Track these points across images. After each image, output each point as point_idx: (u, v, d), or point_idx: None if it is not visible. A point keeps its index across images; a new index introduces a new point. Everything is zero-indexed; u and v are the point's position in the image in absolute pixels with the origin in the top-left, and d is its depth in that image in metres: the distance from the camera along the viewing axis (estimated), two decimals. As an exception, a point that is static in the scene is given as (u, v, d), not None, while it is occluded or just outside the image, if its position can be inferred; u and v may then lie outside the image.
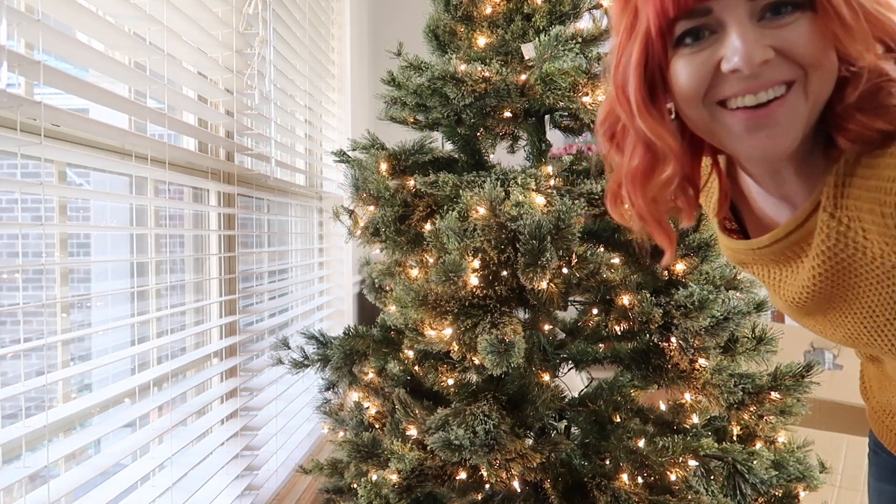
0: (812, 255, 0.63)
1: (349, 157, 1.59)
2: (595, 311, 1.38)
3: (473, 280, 1.21)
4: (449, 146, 1.68)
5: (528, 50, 1.57)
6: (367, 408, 1.53)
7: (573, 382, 1.61)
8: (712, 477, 1.13)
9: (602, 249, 1.36)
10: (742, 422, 1.27)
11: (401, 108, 1.59)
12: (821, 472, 1.30)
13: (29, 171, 1.28)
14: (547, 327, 1.41)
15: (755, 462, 1.13)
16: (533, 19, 1.66)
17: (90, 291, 1.50)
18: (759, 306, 1.32)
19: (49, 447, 0.99)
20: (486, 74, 1.47)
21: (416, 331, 1.26)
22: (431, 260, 1.39)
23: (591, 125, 1.60)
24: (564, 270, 1.27)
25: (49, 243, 1.17)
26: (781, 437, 1.30)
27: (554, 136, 1.73)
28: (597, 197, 1.37)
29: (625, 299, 1.27)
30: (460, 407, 1.24)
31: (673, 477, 1.18)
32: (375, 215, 1.45)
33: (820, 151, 0.62)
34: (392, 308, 1.47)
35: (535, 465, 1.20)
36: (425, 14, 1.75)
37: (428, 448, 1.21)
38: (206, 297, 1.70)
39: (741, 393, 1.17)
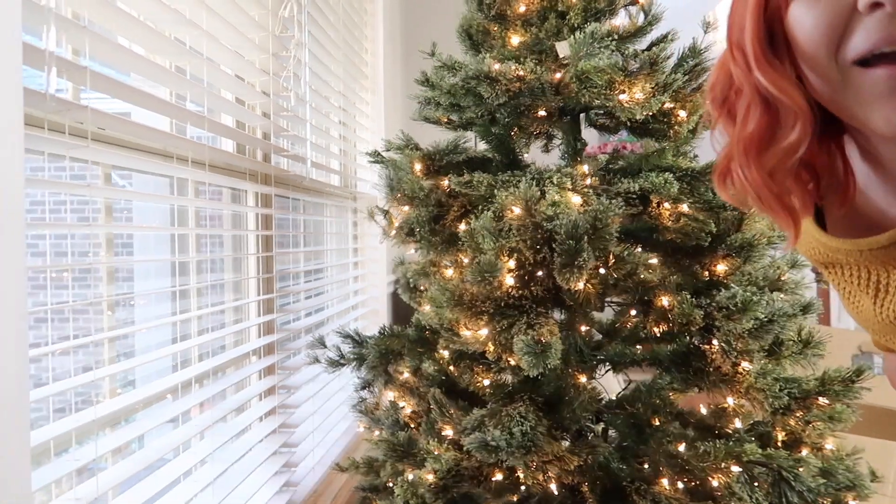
0: None
1: (383, 157, 1.60)
2: (633, 312, 1.35)
3: (509, 280, 1.20)
4: (483, 146, 1.68)
5: (563, 48, 1.56)
6: (403, 407, 1.53)
7: (611, 384, 1.59)
8: (756, 484, 1.10)
9: (640, 249, 1.34)
10: (788, 427, 1.23)
11: (434, 109, 1.59)
12: (871, 482, 1.25)
13: (75, 173, 1.32)
14: (584, 328, 1.39)
15: (802, 469, 1.10)
16: (567, 17, 1.64)
17: (134, 290, 1.54)
18: (806, 308, 1.28)
19: (97, 441, 1.02)
20: (521, 73, 1.46)
21: (452, 331, 1.25)
22: (466, 260, 1.39)
23: (629, 123, 1.58)
24: (601, 271, 1.25)
25: (95, 243, 1.20)
26: (829, 445, 1.26)
27: (589, 135, 1.71)
28: (634, 196, 1.35)
29: (664, 300, 1.24)
30: (496, 408, 1.24)
31: (715, 483, 1.16)
32: (410, 215, 1.45)
33: None
34: (426, 308, 1.47)
35: (572, 467, 1.18)
36: (458, 14, 1.75)
37: (464, 448, 1.20)
38: (244, 295, 1.73)
39: (787, 398, 1.14)
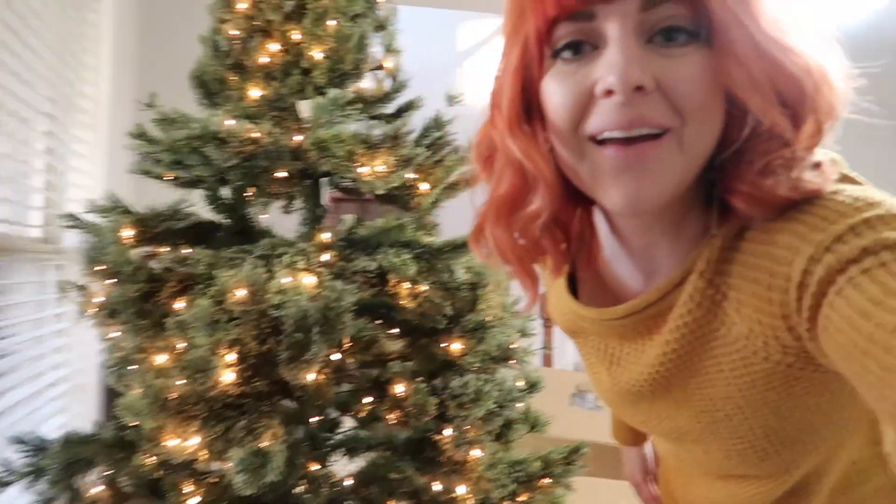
0: (668, 330, 0.55)
1: (81, 221, 1.33)
2: (369, 398, 1.28)
3: (228, 377, 1.04)
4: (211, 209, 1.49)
5: (306, 108, 1.47)
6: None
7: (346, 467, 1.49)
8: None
9: (376, 324, 1.28)
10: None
11: (154, 164, 1.38)
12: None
13: None
14: (316, 418, 1.28)
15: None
16: (312, 75, 1.56)
17: None
18: (533, 386, 1.33)
19: None
20: (255, 135, 1.32)
21: (154, 441, 1.05)
22: (182, 345, 1.19)
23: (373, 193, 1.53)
24: (336, 356, 1.16)
25: None
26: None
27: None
28: (373, 275, 1.29)
29: (399, 388, 1.19)
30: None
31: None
32: (112, 293, 1.21)
33: (700, 213, 0.54)
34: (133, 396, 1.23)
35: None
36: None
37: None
38: None
39: (514, 484, 1.15)
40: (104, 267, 1.24)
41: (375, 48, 1.65)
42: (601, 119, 0.47)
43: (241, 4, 1.49)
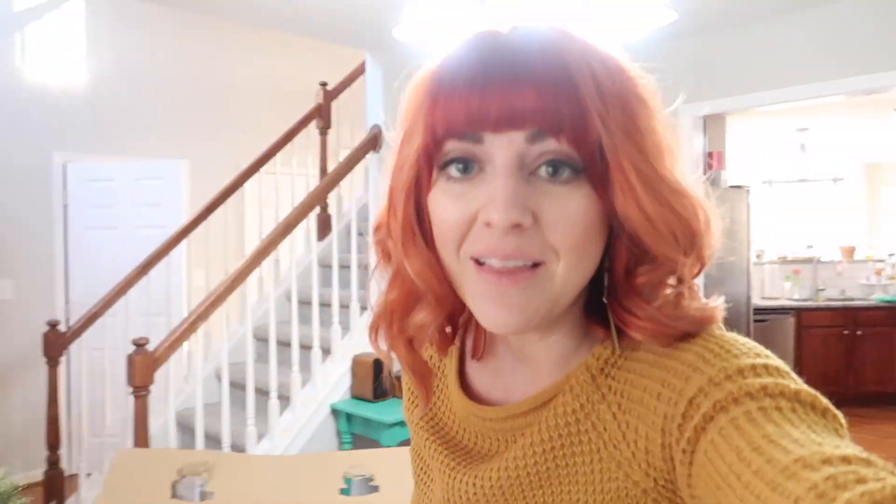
0: (534, 432, 0.53)
1: None
2: None
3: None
4: None
5: None
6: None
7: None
8: None
9: None
10: None
11: None
12: None
13: None
14: None
15: None
16: None
17: None
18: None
19: None
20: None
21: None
22: None
23: None
24: None
25: None
26: None
27: None
28: None
29: None
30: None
31: None
32: None
33: (580, 319, 0.55)
34: None
35: None
36: None
37: None
38: None
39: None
40: None
41: None
42: (481, 245, 0.48)
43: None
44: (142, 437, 2.64)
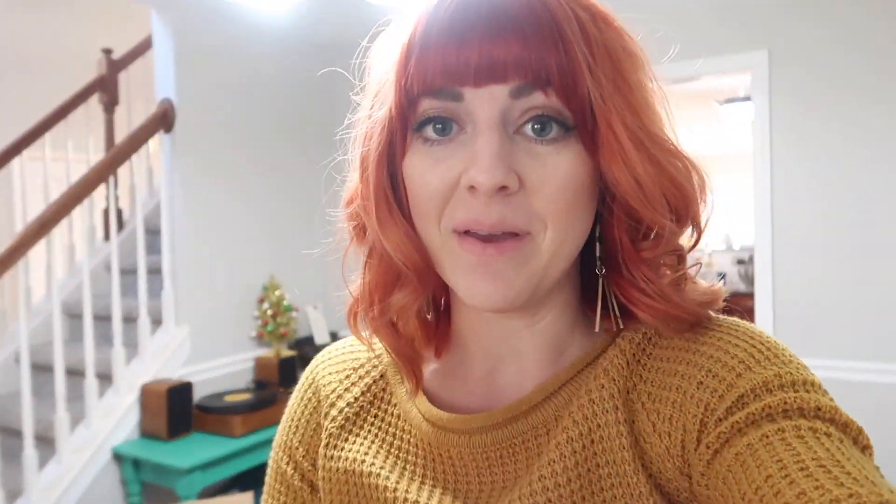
0: (558, 442, 0.47)
1: None
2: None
3: None
4: None
5: None
6: None
7: None
8: None
9: None
10: None
11: None
12: None
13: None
14: None
15: None
16: None
17: None
18: None
19: None
20: None
21: None
22: None
23: None
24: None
25: None
26: None
27: None
28: None
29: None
30: None
31: None
32: None
33: (576, 301, 0.53)
34: None
35: None
36: None
37: None
38: None
39: None
40: None
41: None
42: (463, 213, 0.45)
43: None
44: None
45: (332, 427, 0.56)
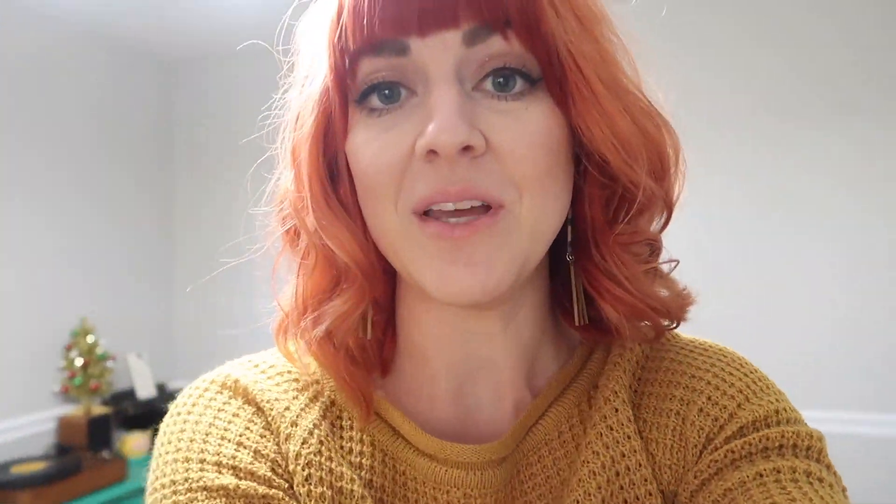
0: (580, 478, 0.44)
1: None
2: None
3: None
4: None
5: None
6: None
7: None
8: None
9: None
10: None
11: None
12: None
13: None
14: None
15: None
16: None
17: None
18: None
19: None
20: None
21: None
22: None
23: None
24: None
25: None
26: None
27: None
28: None
29: None
30: None
31: None
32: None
33: (548, 300, 0.48)
34: None
35: None
36: None
37: None
38: None
39: None
40: None
41: None
42: (423, 187, 0.39)
43: None
44: None
45: (300, 463, 0.43)
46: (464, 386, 0.47)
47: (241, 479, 0.41)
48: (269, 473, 0.42)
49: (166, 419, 0.46)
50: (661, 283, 0.45)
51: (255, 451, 0.43)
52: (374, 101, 0.40)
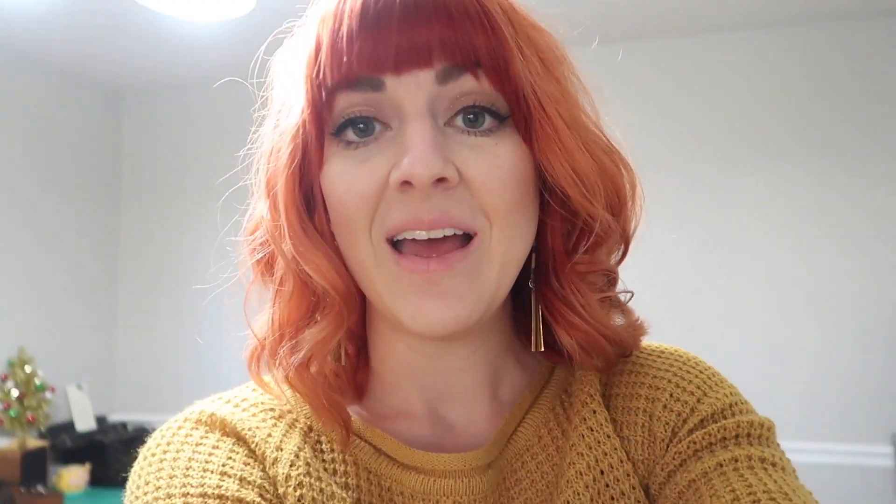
0: (567, 479, 0.46)
1: None
2: None
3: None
4: None
5: None
6: None
7: None
8: None
9: None
10: None
11: None
12: None
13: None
14: None
15: None
16: None
17: None
18: None
19: None
20: None
21: None
22: None
23: None
24: None
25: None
26: None
27: None
28: None
29: None
30: None
31: None
32: None
33: (511, 325, 0.51)
34: None
35: None
36: None
37: None
38: None
39: None
40: None
41: None
42: (397, 215, 0.40)
43: None
44: None
45: (290, 485, 0.43)
46: (438, 408, 0.49)
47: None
48: (258, 499, 0.41)
49: (138, 463, 0.44)
50: (616, 312, 0.48)
51: (241, 479, 0.42)
52: (350, 134, 0.42)
